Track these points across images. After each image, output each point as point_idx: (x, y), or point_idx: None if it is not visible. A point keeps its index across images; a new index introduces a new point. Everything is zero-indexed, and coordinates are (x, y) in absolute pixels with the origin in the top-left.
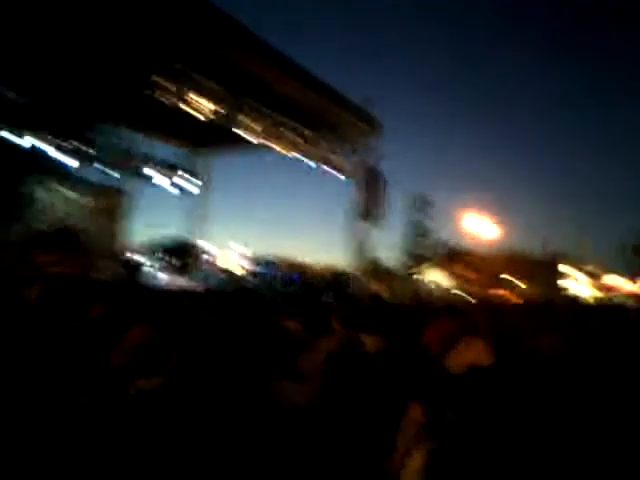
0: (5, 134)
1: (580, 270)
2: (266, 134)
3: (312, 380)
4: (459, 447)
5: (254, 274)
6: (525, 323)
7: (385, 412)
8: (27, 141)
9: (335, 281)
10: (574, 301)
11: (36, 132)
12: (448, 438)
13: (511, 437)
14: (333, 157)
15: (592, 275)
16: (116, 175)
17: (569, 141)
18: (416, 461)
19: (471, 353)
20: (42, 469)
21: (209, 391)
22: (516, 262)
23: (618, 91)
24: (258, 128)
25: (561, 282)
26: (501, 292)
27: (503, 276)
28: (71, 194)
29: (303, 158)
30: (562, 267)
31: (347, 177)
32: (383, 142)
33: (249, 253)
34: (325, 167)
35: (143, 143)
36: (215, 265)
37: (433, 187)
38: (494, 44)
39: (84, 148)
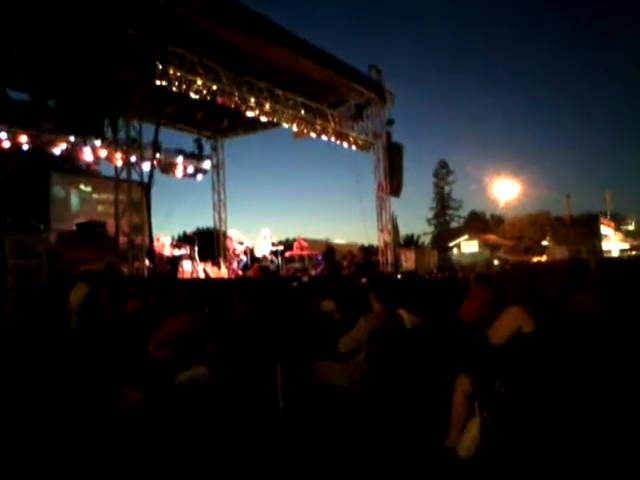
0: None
1: (618, 230)
2: (275, 111)
3: (354, 360)
4: (512, 416)
5: (286, 260)
6: (558, 284)
7: (432, 388)
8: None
9: (365, 259)
10: (607, 258)
11: (57, 131)
12: (500, 407)
13: (562, 401)
14: (346, 131)
15: (632, 234)
16: (136, 168)
17: (585, 91)
18: (471, 432)
19: (512, 323)
20: (95, 459)
21: (247, 378)
22: (553, 226)
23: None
24: (267, 106)
25: (603, 244)
26: (538, 258)
27: (543, 243)
28: (93, 190)
29: (315, 134)
30: (603, 229)
31: (363, 150)
32: (397, 110)
33: (274, 239)
34: (339, 142)
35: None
36: (249, 253)
37: (452, 152)
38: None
39: (101, 144)
